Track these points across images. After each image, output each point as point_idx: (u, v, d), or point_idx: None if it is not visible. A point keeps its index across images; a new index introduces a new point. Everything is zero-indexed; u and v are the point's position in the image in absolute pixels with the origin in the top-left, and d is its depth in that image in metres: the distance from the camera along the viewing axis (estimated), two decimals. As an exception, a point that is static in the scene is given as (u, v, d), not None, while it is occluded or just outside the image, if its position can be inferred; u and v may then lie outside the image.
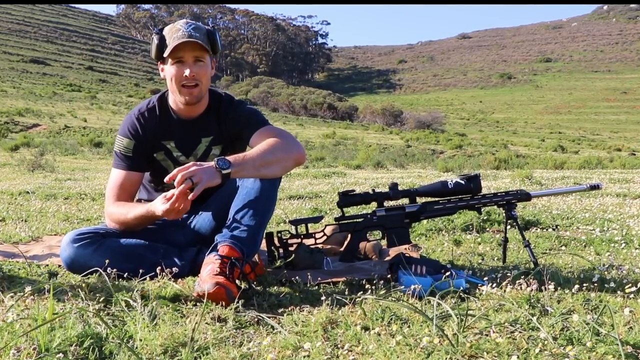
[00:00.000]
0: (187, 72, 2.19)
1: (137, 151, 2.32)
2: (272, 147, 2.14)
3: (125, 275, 2.08)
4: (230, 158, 2.03)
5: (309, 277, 2.14)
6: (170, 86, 2.28)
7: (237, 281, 1.95)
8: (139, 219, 2.18)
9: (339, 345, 1.49)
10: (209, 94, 2.35)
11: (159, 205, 2.02)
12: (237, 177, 2.08)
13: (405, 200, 2.45)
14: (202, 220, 2.41)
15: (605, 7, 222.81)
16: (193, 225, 2.43)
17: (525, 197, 2.41)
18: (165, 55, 2.20)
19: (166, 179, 1.95)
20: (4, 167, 11.92)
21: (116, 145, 2.34)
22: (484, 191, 2.41)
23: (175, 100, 2.31)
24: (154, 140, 2.34)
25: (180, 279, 2.08)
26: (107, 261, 2.05)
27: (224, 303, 1.79)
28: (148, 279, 2.04)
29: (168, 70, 2.24)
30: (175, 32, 2.19)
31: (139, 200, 2.48)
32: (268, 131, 2.26)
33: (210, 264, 1.94)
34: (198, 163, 1.97)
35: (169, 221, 2.42)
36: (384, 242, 2.52)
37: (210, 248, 2.05)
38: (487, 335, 1.52)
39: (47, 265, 2.42)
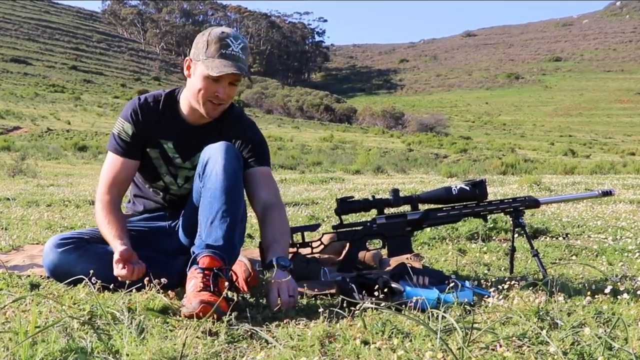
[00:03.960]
0: (220, 92, 2.20)
1: (136, 139, 2.31)
2: (287, 228, 2.31)
3: (111, 286, 2.08)
4: (283, 253, 2.15)
5: (306, 288, 2.14)
6: (194, 95, 2.25)
7: (226, 292, 1.94)
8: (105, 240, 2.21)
9: (337, 360, 1.49)
10: None
11: (117, 265, 2.04)
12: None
13: (407, 207, 2.46)
14: (180, 231, 2.41)
15: (618, 3, 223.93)
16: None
17: (534, 203, 2.42)
18: (208, 72, 2.16)
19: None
20: (-18, 172, 11.89)
21: (116, 127, 2.33)
22: (490, 197, 2.42)
23: (191, 106, 2.30)
24: (152, 135, 2.34)
25: (169, 290, 2.08)
26: (91, 271, 2.04)
27: (215, 316, 1.79)
28: (135, 290, 2.04)
29: (198, 81, 2.21)
30: (224, 47, 2.16)
31: (131, 198, 2.55)
32: (267, 177, 2.35)
33: (193, 279, 1.94)
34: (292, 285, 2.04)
35: (156, 228, 2.43)
36: (384, 252, 2.53)
37: (190, 261, 2.04)
38: (493, 349, 1.52)
39: (29, 275, 2.41)
